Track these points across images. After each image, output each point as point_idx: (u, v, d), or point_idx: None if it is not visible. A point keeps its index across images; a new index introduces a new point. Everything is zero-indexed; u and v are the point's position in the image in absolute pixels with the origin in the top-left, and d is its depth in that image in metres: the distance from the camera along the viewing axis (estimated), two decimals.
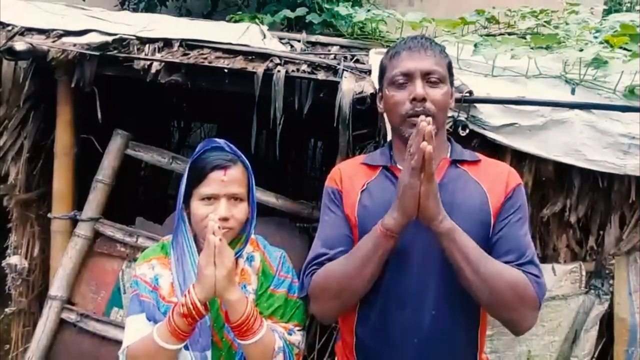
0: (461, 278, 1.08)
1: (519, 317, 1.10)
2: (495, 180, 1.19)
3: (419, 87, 1.15)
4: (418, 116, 1.13)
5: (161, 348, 1.07)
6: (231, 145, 1.22)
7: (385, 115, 1.31)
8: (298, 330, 1.23)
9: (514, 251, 1.12)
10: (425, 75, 1.16)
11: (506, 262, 1.11)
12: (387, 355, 1.15)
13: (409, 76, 1.17)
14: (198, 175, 1.17)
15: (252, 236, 1.28)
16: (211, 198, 1.16)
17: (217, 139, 1.23)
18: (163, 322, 1.10)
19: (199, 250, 1.18)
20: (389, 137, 1.59)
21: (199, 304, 1.06)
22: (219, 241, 1.05)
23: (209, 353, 1.16)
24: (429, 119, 1.02)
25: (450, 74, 1.23)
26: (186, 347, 1.14)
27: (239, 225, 1.19)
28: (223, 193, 1.16)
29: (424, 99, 1.14)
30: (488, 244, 1.15)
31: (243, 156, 1.23)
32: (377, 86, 1.52)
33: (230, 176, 1.17)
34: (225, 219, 1.14)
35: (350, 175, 1.25)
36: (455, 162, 1.22)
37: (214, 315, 1.19)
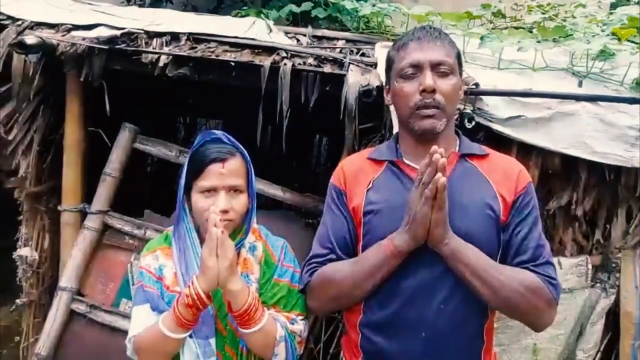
0: (472, 291, 1.10)
1: (535, 319, 1.13)
2: (504, 176, 1.18)
3: (428, 78, 1.12)
4: (427, 108, 1.13)
5: (167, 337, 1.10)
6: (229, 137, 1.23)
7: (392, 107, 1.31)
8: (301, 320, 1.24)
9: (530, 253, 1.13)
10: (435, 67, 1.13)
11: (522, 263, 1.12)
12: (394, 350, 1.14)
13: (417, 67, 1.14)
14: (197, 168, 1.18)
15: (255, 226, 1.29)
16: (210, 190, 1.17)
17: (215, 131, 1.24)
18: (168, 313, 1.12)
19: (201, 240, 1.20)
20: (395, 131, 1.59)
21: (202, 295, 1.08)
22: (221, 233, 1.07)
23: (212, 341, 1.18)
24: (442, 150, 1.03)
25: (460, 65, 1.21)
26: (190, 335, 1.15)
27: (239, 216, 1.20)
28: (222, 185, 1.17)
29: (433, 91, 1.12)
30: (498, 240, 1.15)
31: (242, 147, 1.23)
32: (383, 79, 1.51)
33: (229, 168, 1.17)
34: (224, 211, 1.15)
35: (355, 173, 1.24)
36: (464, 156, 1.20)
37: (218, 304, 1.20)
